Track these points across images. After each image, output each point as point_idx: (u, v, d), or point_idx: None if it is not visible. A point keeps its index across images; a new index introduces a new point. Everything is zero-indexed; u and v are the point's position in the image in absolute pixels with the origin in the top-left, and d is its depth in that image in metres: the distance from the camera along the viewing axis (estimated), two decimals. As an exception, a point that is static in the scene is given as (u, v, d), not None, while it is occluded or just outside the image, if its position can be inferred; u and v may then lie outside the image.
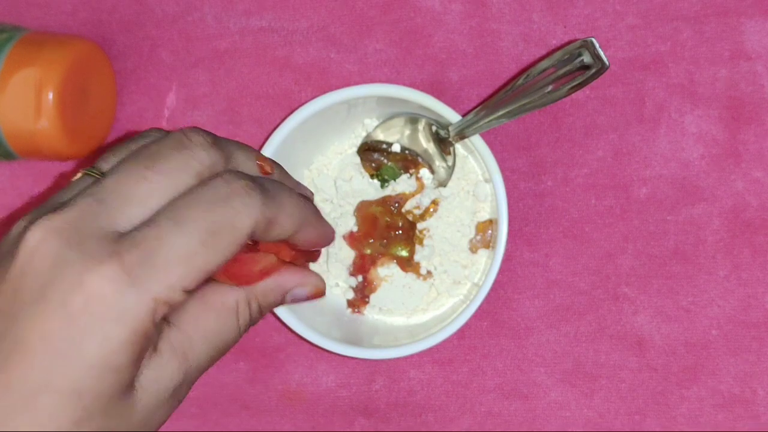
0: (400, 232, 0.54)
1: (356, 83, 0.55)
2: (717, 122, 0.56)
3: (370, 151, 0.55)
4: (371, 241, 0.55)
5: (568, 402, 0.56)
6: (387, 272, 0.55)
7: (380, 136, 0.55)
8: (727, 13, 0.56)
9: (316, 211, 0.42)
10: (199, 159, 0.37)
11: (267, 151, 0.54)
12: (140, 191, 0.36)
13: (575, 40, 0.48)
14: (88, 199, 0.36)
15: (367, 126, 0.56)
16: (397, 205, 0.55)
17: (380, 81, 0.57)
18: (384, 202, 0.55)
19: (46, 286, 0.34)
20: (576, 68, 0.48)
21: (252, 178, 0.38)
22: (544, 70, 0.49)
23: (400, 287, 0.55)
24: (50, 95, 0.52)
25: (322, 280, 0.42)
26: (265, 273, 0.41)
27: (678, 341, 0.56)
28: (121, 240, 0.35)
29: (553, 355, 0.56)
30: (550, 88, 0.49)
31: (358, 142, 0.56)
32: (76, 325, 0.33)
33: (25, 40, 0.54)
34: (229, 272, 0.39)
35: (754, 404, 0.55)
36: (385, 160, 0.56)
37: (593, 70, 0.48)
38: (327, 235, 0.43)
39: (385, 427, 0.57)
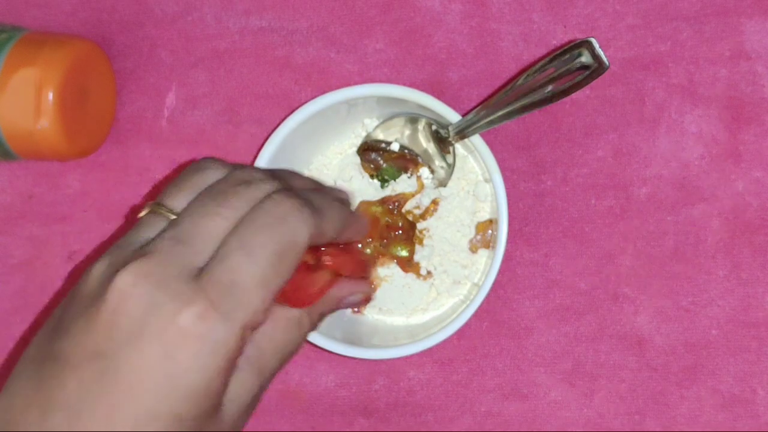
0: (400, 232, 0.54)
1: (356, 83, 0.55)
2: (717, 122, 0.56)
3: (369, 151, 0.55)
4: (369, 239, 0.55)
5: (568, 402, 0.56)
6: (387, 272, 0.55)
7: (380, 135, 0.55)
8: (727, 13, 0.56)
9: (352, 212, 0.45)
10: (265, 191, 0.40)
11: (267, 151, 0.54)
12: (215, 229, 0.39)
13: (575, 40, 0.48)
14: (170, 242, 0.38)
15: (367, 126, 0.56)
16: (397, 205, 0.55)
17: (380, 81, 0.57)
18: (384, 202, 0.55)
19: (143, 327, 0.36)
20: (576, 68, 0.48)
21: (297, 194, 0.40)
22: (544, 70, 0.49)
23: (400, 287, 0.55)
24: (50, 95, 0.52)
25: (370, 287, 0.46)
26: (322, 292, 0.43)
27: (678, 341, 0.56)
28: (201, 276, 0.37)
29: (553, 355, 0.56)
30: (550, 88, 0.49)
31: (358, 142, 0.56)
32: (175, 359, 0.36)
33: (25, 40, 0.54)
34: (290, 297, 0.41)
35: (754, 404, 0.55)
36: (382, 162, 0.56)
37: (593, 70, 0.48)
38: (362, 230, 0.48)
39: (385, 427, 0.57)
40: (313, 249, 0.43)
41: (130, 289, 0.37)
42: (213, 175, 0.41)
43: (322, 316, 0.44)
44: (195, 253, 0.38)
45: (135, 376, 0.36)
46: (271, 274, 0.38)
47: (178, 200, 0.41)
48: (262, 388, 0.41)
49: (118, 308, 0.37)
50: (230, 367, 0.38)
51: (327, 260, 0.44)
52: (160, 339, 0.36)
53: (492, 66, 0.57)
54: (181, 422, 0.37)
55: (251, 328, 0.38)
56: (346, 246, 0.46)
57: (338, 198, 0.44)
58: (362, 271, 0.47)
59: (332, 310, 0.45)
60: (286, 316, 0.42)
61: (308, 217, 0.39)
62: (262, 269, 0.38)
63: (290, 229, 0.39)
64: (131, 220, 0.59)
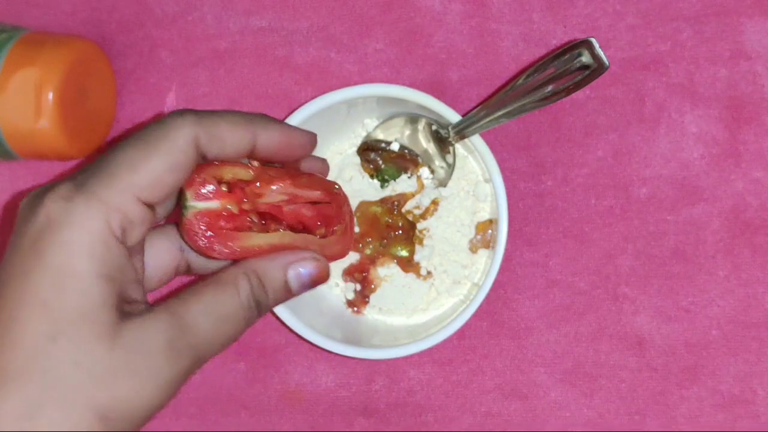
0: (400, 232, 0.54)
1: (356, 83, 0.55)
2: (717, 122, 0.56)
3: (369, 150, 0.55)
4: (369, 239, 0.55)
5: (568, 402, 0.56)
6: (387, 272, 0.55)
7: (380, 135, 0.55)
8: (727, 13, 0.56)
9: (271, 118, 0.43)
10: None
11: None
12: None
13: (575, 40, 0.48)
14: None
15: (367, 126, 0.56)
16: (397, 205, 0.55)
17: (380, 81, 0.57)
18: (384, 202, 0.55)
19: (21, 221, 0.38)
20: (576, 68, 0.48)
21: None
22: (544, 70, 0.49)
23: (400, 287, 0.55)
24: (50, 95, 0.52)
25: (323, 258, 0.44)
26: (263, 251, 0.42)
27: (678, 341, 0.56)
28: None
29: (553, 355, 0.56)
30: (550, 88, 0.49)
31: (358, 142, 0.56)
32: (39, 241, 0.36)
33: (25, 40, 0.54)
34: (215, 235, 0.41)
35: (754, 404, 0.55)
36: (381, 162, 0.56)
37: (593, 70, 0.48)
38: (296, 137, 0.44)
39: (385, 427, 0.57)
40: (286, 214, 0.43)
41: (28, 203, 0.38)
42: None
43: (267, 286, 0.42)
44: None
45: (11, 271, 0.37)
46: (140, 157, 0.38)
47: None
48: (195, 355, 0.39)
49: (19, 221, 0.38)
50: (100, 253, 0.37)
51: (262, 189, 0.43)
52: (28, 228, 0.37)
53: (492, 66, 0.57)
54: (48, 310, 0.36)
55: (119, 210, 0.37)
56: (306, 177, 0.45)
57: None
58: (327, 220, 0.46)
59: (280, 281, 0.43)
60: (218, 276, 0.41)
61: (188, 114, 0.40)
62: (129, 154, 0.38)
63: (165, 122, 0.39)
64: None
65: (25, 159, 0.55)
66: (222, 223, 0.41)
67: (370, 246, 0.55)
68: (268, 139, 0.42)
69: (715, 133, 0.56)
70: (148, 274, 0.42)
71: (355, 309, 0.56)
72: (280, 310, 0.53)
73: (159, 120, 0.40)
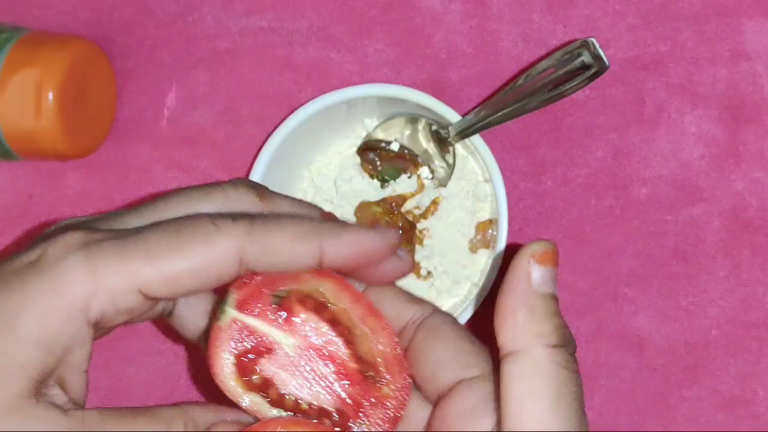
0: (400, 232, 0.54)
1: (356, 83, 0.55)
2: (717, 122, 0.56)
3: (369, 150, 0.55)
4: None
5: (568, 402, 0.56)
6: (387, 272, 0.55)
7: (380, 135, 0.55)
8: (727, 13, 0.56)
9: (341, 223, 0.36)
10: (226, 192, 0.37)
11: (267, 151, 0.53)
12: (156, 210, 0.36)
13: (575, 40, 0.48)
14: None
15: (367, 126, 0.56)
16: (396, 205, 0.55)
17: (380, 81, 0.57)
18: (384, 202, 0.55)
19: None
20: (576, 68, 0.48)
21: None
22: (544, 70, 0.49)
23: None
24: (50, 95, 0.52)
25: None
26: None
27: (678, 341, 0.56)
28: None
29: (553, 355, 0.56)
30: (550, 88, 0.49)
31: (358, 142, 0.56)
32: (21, 270, 0.33)
33: (25, 40, 0.54)
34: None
35: (754, 404, 0.55)
36: (379, 162, 0.55)
37: (593, 70, 0.48)
38: (372, 244, 0.36)
39: (385, 427, 0.57)
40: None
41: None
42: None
43: None
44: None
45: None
46: (163, 248, 0.33)
47: None
48: None
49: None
50: (70, 323, 0.33)
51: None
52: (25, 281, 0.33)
53: (492, 66, 0.57)
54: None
55: (110, 293, 0.33)
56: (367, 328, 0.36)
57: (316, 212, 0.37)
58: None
59: None
60: (155, 412, 0.35)
61: (240, 222, 0.34)
62: (154, 240, 0.33)
63: (210, 221, 0.34)
64: None
65: (25, 159, 0.55)
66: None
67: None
68: (337, 254, 0.35)
69: (715, 133, 0.56)
70: None
71: (355, 309, 0.56)
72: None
73: (208, 218, 0.35)
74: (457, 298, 0.55)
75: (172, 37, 0.58)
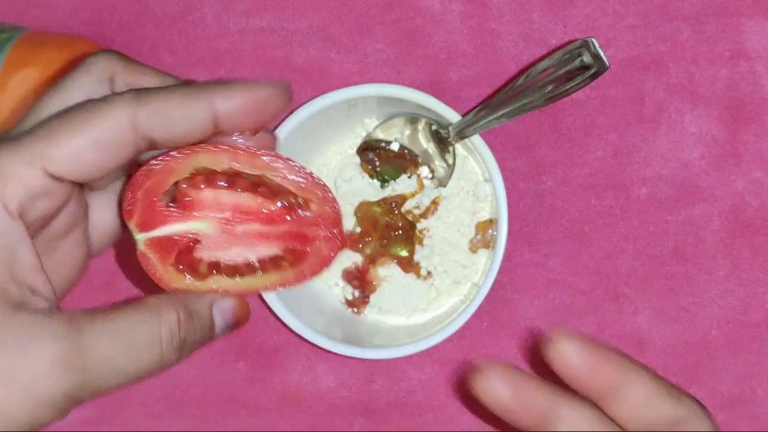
0: (400, 232, 0.54)
1: (356, 83, 0.55)
2: (717, 122, 0.56)
3: (369, 150, 0.55)
4: (369, 239, 0.55)
5: (568, 402, 0.56)
6: (387, 272, 0.55)
7: (380, 135, 0.55)
8: (727, 13, 0.56)
9: (231, 80, 0.37)
10: (88, 67, 0.38)
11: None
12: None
13: (575, 40, 0.48)
14: None
15: (367, 126, 0.56)
16: (396, 205, 0.55)
17: (380, 81, 0.57)
18: (384, 202, 0.55)
19: None
20: (576, 68, 0.48)
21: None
22: (544, 70, 0.49)
23: (400, 287, 0.55)
24: (50, 95, 0.52)
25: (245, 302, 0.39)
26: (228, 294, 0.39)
27: (678, 341, 0.56)
28: None
29: (553, 355, 0.56)
30: (550, 88, 0.49)
31: (358, 142, 0.56)
32: None
33: (25, 40, 0.54)
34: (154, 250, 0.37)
35: (754, 404, 0.55)
36: (379, 162, 0.55)
37: (593, 70, 0.48)
38: (264, 95, 0.37)
39: (385, 427, 0.57)
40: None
41: None
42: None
43: (193, 317, 0.37)
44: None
45: None
46: (60, 130, 0.34)
47: None
48: (73, 398, 0.34)
49: None
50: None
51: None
52: None
53: (492, 66, 0.57)
54: None
55: (20, 182, 0.34)
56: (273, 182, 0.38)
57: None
58: (300, 239, 0.39)
59: (205, 316, 0.38)
60: (139, 301, 0.36)
61: (128, 92, 0.35)
62: (53, 124, 0.35)
63: (102, 100, 0.35)
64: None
65: (25, 159, 0.55)
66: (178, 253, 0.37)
67: (370, 246, 0.55)
68: (230, 107, 0.36)
69: (715, 133, 0.56)
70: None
71: (355, 309, 0.56)
72: (280, 310, 0.53)
73: (97, 99, 0.36)
74: (457, 298, 0.55)
75: (172, 37, 0.58)
